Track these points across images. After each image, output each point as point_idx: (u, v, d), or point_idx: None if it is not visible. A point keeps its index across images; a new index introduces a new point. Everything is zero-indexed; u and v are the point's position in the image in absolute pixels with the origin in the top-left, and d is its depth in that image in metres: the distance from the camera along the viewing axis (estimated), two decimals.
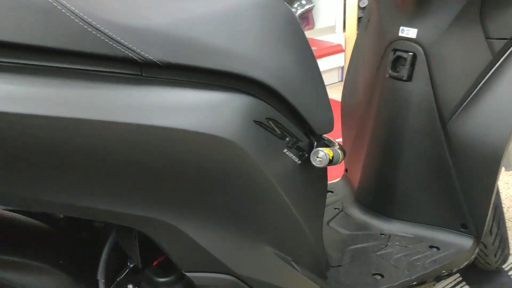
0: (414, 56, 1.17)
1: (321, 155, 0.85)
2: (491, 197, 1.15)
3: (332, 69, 3.43)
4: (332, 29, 3.47)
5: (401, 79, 1.20)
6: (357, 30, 3.50)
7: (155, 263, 0.82)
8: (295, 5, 3.41)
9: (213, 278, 0.73)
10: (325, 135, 1.00)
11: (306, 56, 0.87)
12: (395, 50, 1.21)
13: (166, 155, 0.65)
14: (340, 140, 1.48)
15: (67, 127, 0.57)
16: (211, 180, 0.69)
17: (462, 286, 1.53)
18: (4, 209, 0.83)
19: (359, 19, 3.29)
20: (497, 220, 1.36)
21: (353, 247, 1.18)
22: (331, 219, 1.30)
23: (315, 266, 0.93)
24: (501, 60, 1.10)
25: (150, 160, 0.64)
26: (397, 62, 1.21)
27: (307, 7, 3.38)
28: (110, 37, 0.61)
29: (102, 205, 0.62)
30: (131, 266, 0.84)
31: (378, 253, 1.16)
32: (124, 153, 0.62)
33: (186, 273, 0.71)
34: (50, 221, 0.86)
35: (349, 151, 1.46)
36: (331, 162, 0.85)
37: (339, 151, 0.89)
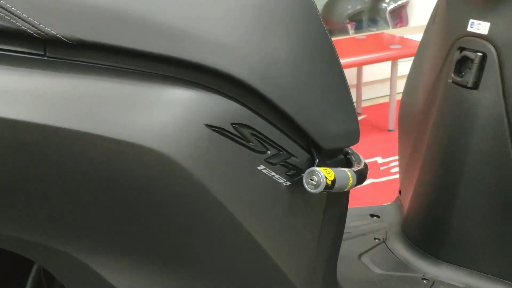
0: (484, 58, 0.91)
1: (317, 178, 0.63)
2: None
3: None
4: None
5: (465, 86, 0.94)
6: None
7: None
8: (387, 0, 3.12)
9: None
10: (351, 149, 0.79)
11: (320, 51, 0.67)
12: (461, 49, 0.96)
13: (66, 166, 0.48)
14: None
15: None
16: (131, 204, 0.51)
17: None
18: None
19: None
20: None
21: None
22: (366, 251, 1.07)
23: None
24: None
25: (51, 171, 0.48)
26: (462, 64, 0.96)
27: (400, 2, 3.09)
28: (10, 12, 0.46)
29: None
30: None
31: None
32: (15, 160, 0.46)
33: None
34: None
35: (404, 170, 1.21)
36: (330, 187, 0.63)
37: (349, 173, 0.67)
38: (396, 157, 1.29)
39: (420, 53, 1.16)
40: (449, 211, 0.99)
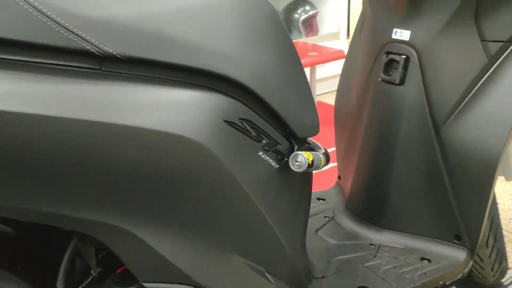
0: (407, 59, 1.13)
1: (300, 159, 0.80)
2: (487, 207, 1.10)
3: (335, 76, 3.39)
4: (336, 35, 3.43)
5: (393, 83, 1.15)
6: None
7: (118, 271, 0.77)
8: (299, 11, 3.38)
9: None
10: (310, 139, 0.96)
11: (289, 57, 0.83)
12: (388, 53, 1.17)
13: (124, 155, 0.60)
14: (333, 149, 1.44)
15: (14, 122, 0.53)
16: (173, 184, 0.65)
17: None
18: None
19: None
20: (494, 232, 1.31)
21: (339, 257, 1.13)
22: (320, 228, 1.25)
23: (293, 278, 0.88)
24: (497, 63, 1.05)
25: (106, 160, 0.60)
26: (389, 65, 1.17)
27: (311, 13, 3.35)
28: (66, 28, 0.57)
29: (46, 207, 0.57)
30: (94, 274, 0.80)
31: (365, 264, 1.11)
32: (76, 152, 0.57)
33: (145, 284, 0.67)
34: (12, 226, 0.82)
35: (342, 158, 1.41)
36: (310, 166, 0.80)
37: (321, 156, 0.84)
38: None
39: (350, 58, 1.37)
40: (386, 186, 1.19)
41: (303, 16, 3.35)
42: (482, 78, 1.06)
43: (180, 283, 0.69)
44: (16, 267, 0.73)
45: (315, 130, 0.89)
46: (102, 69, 0.61)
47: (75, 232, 0.75)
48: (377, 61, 1.20)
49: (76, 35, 0.58)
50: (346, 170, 1.38)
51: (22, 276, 0.73)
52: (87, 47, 0.58)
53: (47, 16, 0.56)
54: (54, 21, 0.57)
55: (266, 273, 0.80)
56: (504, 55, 1.04)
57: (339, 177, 1.45)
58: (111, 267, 0.77)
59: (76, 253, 0.76)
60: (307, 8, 3.37)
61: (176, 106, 0.64)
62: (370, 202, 1.24)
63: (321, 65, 3.00)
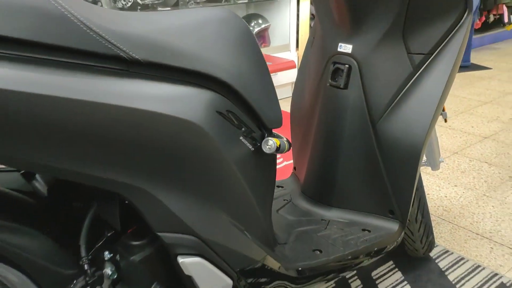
0: (350, 68, 1.39)
1: (270, 143, 1.04)
2: (413, 187, 1.37)
3: (286, 84, 3.67)
4: (286, 47, 3.71)
5: (339, 87, 1.41)
6: None
7: (129, 231, 0.98)
8: (252, 24, 3.64)
9: (180, 238, 0.90)
10: (274, 132, 1.20)
11: (259, 63, 1.07)
12: (334, 63, 1.43)
13: (145, 132, 0.82)
14: None
15: (70, 106, 0.74)
16: (180, 156, 0.87)
17: (395, 272, 1.75)
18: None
19: None
20: (421, 210, 1.59)
21: (297, 229, 1.37)
22: (280, 208, 1.49)
23: (263, 239, 1.11)
24: (420, 71, 1.33)
25: (132, 136, 0.81)
26: (336, 73, 1.43)
27: (263, 26, 3.62)
28: (106, 40, 0.79)
29: (97, 172, 0.78)
30: (108, 235, 1.00)
31: (318, 234, 1.35)
32: (112, 130, 0.79)
33: (158, 233, 0.88)
34: (38, 197, 1.01)
35: (297, 152, 1.66)
36: (278, 149, 1.04)
37: (285, 142, 1.09)
38: None
39: (303, 67, 1.63)
40: (334, 172, 1.45)
41: (257, 29, 3.61)
42: (408, 83, 1.34)
43: (183, 233, 0.90)
44: (45, 228, 0.92)
45: (279, 123, 1.13)
46: (130, 70, 0.82)
47: (95, 198, 0.95)
48: (326, 70, 1.46)
49: (113, 45, 0.79)
50: (301, 161, 1.63)
51: (49, 235, 0.92)
52: (120, 53, 0.80)
53: (94, 31, 0.77)
54: (99, 34, 0.78)
55: (244, 231, 1.03)
56: (425, 65, 1.32)
57: (294, 168, 1.70)
58: (122, 230, 0.97)
59: (94, 217, 0.96)
60: (260, 21, 3.64)
61: (183, 98, 0.86)
62: (321, 186, 1.49)
63: (273, 74, 3.25)
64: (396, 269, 1.76)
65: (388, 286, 1.67)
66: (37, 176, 1.07)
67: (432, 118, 1.31)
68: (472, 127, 3.15)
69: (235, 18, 1.02)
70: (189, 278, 0.93)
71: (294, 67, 3.43)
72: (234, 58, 0.97)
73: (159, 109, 0.83)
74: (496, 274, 1.72)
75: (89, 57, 0.78)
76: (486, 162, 2.63)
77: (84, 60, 0.77)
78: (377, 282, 1.69)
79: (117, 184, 0.82)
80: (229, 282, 0.99)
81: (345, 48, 1.40)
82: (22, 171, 1.06)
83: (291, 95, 3.80)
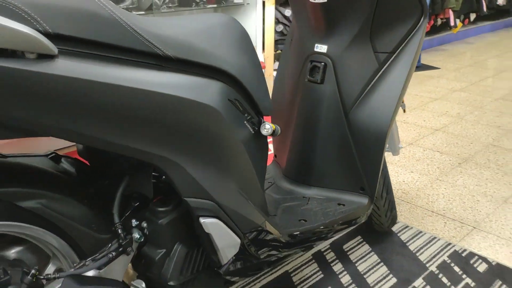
0: (325, 65, 1.62)
1: (268, 127, 1.25)
2: (380, 167, 1.61)
3: None
4: None
5: (316, 82, 1.64)
6: (274, 51, 3.99)
7: (154, 200, 1.17)
8: None
9: (201, 202, 1.10)
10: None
11: (254, 60, 1.28)
12: (311, 61, 1.65)
13: (176, 114, 1.01)
14: None
15: (120, 91, 0.93)
16: (201, 134, 1.07)
17: (363, 245, 1.99)
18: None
19: (276, 41, 3.79)
20: (386, 188, 1.84)
21: (283, 205, 1.59)
22: (266, 188, 1.71)
23: (261, 207, 1.32)
24: (384, 68, 1.57)
25: (166, 117, 1.00)
26: (313, 70, 1.66)
27: None
28: (147, 40, 0.98)
29: (141, 147, 0.97)
30: (135, 205, 1.19)
31: (302, 208, 1.58)
32: (151, 111, 0.98)
33: (185, 198, 1.08)
34: (68, 175, 1.18)
35: (278, 141, 1.88)
36: (273, 132, 1.26)
37: (278, 126, 1.30)
38: None
39: (282, 65, 1.85)
40: (312, 155, 1.68)
41: None
42: (375, 78, 1.58)
43: (203, 199, 1.10)
44: (84, 199, 1.10)
45: (271, 110, 1.34)
46: (163, 65, 1.02)
47: (127, 171, 1.14)
48: (304, 67, 1.68)
49: (152, 44, 0.98)
50: (282, 149, 1.85)
51: (87, 205, 1.10)
52: (157, 51, 0.99)
53: (138, 33, 0.96)
54: (142, 36, 0.97)
55: (248, 199, 1.23)
56: (389, 62, 1.56)
57: (275, 156, 1.92)
58: (147, 201, 1.16)
59: (126, 188, 1.15)
60: None
61: (203, 88, 1.06)
62: (301, 168, 1.72)
63: None
64: (364, 243, 2.01)
65: (358, 256, 1.91)
66: (63, 159, 1.24)
67: (395, 107, 1.56)
68: (424, 121, 3.46)
69: (235, 23, 1.23)
70: (208, 236, 1.13)
71: (263, 67, 3.65)
72: (237, 55, 1.18)
73: (186, 95, 1.02)
74: (449, 244, 1.99)
75: (134, 53, 0.97)
76: (438, 151, 2.93)
77: (130, 56, 0.96)
78: (348, 253, 1.93)
79: (155, 156, 1.01)
80: (238, 241, 1.20)
81: (321, 48, 1.63)
82: (50, 156, 1.23)
83: None
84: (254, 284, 1.75)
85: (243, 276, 1.29)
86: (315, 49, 1.64)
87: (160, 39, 1.00)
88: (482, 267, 1.84)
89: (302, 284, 1.75)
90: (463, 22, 5.79)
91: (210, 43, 1.11)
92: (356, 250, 1.95)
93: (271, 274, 1.80)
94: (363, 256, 1.92)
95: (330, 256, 1.92)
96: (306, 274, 1.81)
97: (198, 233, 1.15)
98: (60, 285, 1.03)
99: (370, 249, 1.96)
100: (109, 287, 1.01)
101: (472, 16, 6.49)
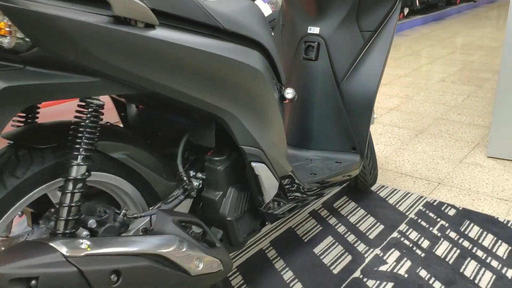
0: (318, 45, 1.90)
1: (290, 91, 1.52)
2: (368, 129, 1.91)
3: None
4: None
5: (311, 59, 1.92)
6: None
7: (209, 153, 1.39)
8: None
9: (252, 149, 1.33)
10: None
11: (272, 37, 1.53)
12: (305, 42, 1.93)
13: (232, 73, 1.25)
14: None
15: (197, 54, 1.15)
16: (249, 92, 1.31)
17: (350, 202, 2.29)
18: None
19: None
20: (370, 149, 2.15)
21: (292, 164, 1.86)
22: None
23: (287, 159, 1.57)
24: (368, 44, 1.87)
25: (227, 76, 1.23)
26: (307, 49, 1.93)
27: None
28: (213, 17, 1.21)
29: (209, 100, 1.19)
30: (192, 158, 1.41)
31: (307, 166, 1.85)
32: (216, 71, 1.20)
33: (241, 146, 1.31)
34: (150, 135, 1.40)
35: None
36: (293, 98, 1.52)
37: (295, 93, 1.56)
38: None
39: (276, 45, 2.11)
40: (310, 123, 1.95)
41: None
42: (361, 53, 1.88)
43: (253, 147, 1.34)
44: (155, 155, 1.31)
45: (284, 80, 1.60)
46: (221, 36, 1.25)
47: (187, 129, 1.36)
48: (299, 47, 1.96)
49: (215, 19, 1.22)
50: None
51: (155, 155, 1.31)
52: (218, 25, 1.23)
53: (206, 10, 1.19)
54: (209, 13, 1.20)
55: (278, 149, 1.49)
56: (372, 39, 1.87)
57: None
58: (203, 152, 1.39)
59: (186, 144, 1.37)
60: None
61: (251, 55, 1.30)
62: (301, 135, 1.99)
63: None
64: (350, 201, 2.31)
65: (347, 211, 2.21)
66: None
67: (379, 77, 1.87)
68: (379, 102, 3.84)
69: (256, 5, 1.49)
70: (257, 177, 1.37)
71: None
72: (263, 31, 1.43)
73: (240, 59, 1.26)
74: (421, 197, 2.33)
75: (203, 26, 1.20)
76: (396, 126, 3.29)
77: (201, 28, 1.19)
78: (339, 210, 2.23)
79: (220, 109, 1.24)
80: (277, 183, 1.45)
81: (314, 30, 1.91)
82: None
83: None
84: (265, 239, 2.00)
85: (275, 215, 1.54)
86: (309, 31, 1.92)
87: (220, 15, 1.24)
88: (452, 212, 2.19)
89: (306, 236, 2.02)
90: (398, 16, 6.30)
91: (248, 20, 1.35)
92: (345, 207, 2.25)
93: (278, 230, 2.06)
94: (352, 211, 2.21)
95: (324, 213, 2.20)
96: (307, 228, 2.08)
97: (248, 176, 1.39)
98: (143, 223, 1.24)
99: (357, 205, 2.26)
100: (189, 218, 1.23)
101: (406, 10, 7.03)
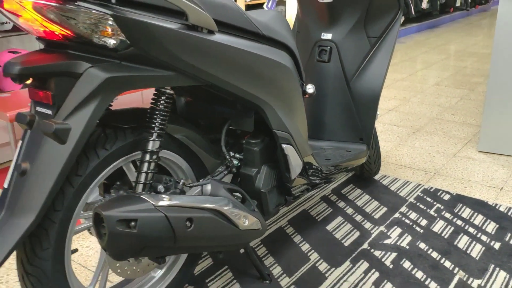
0: (331, 49, 2.19)
1: (310, 87, 1.80)
2: (374, 121, 2.20)
3: None
4: None
5: (324, 61, 2.21)
6: None
7: (246, 137, 1.67)
8: None
9: (282, 133, 1.61)
10: None
11: (294, 40, 1.82)
12: (319, 46, 2.22)
13: (270, 70, 1.53)
14: None
15: (244, 54, 1.43)
16: (281, 85, 1.59)
17: (357, 189, 2.57)
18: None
19: None
20: (375, 141, 2.44)
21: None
22: None
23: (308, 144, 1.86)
24: (374, 48, 2.17)
25: (265, 71, 1.51)
26: (321, 52, 2.22)
27: None
28: (254, 24, 1.49)
29: (252, 91, 1.47)
30: (231, 142, 1.69)
31: (322, 153, 2.13)
32: (258, 67, 1.48)
33: (274, 130, 1.59)
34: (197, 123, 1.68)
35: None
36: (313, 93, 1.81)
37: (315, 89, 1.85)
38: None
39: None
40: (323, 117, 2.24)
41: None
42: (368, 56, 2.17)
43: (283, 131, 1.62)
44: (206, 139, 1.59)
45: (304, 78, 1.89)
46: (260, 40, 1.54)
47: (229, 116, 1.64)
48: (313, 50, 2.25)
49: (257, 27, 1.50)
50: None
51: (205, 137, 1.59)
52: (258, 31, 1.51)
53: (250, 20, 1.48)
54: (252, 22, 1.48)
55: (303, 135, 1.77)
56: (378, 44, 2.16)
57: None
58: (240, 138, 1.68)
59: (228, 129, 1.65)
60: None
61: (282, 55, 1.59)
62: (315, 127, 2.27)
63: None
64: (356, 188, 2.59)
65: (354, 197, 2.49)
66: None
67: (383, 77, 2.16)
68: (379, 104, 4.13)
69: (282, 14, 1.78)
70: (286, 157, 1.65)
71: None
72: (289, 36, 1.72)
73: (275, 58, 1.55)
74: (419, 185, 2.62)
75: (247, 32, 1.48)
76: (395, 125, 3.59)
77: (246, 34, 1.47)
78: (346, 195, 2.51)
79: (259, 99, 1.52)
80: (301, 163, 1.74)
81: (327, 36, 2.20)
82: None
83: None
84: (283, 218, 2.28)
85: (297, 190, 1.82)
86: (322, 37, 2.21)
87: (259, 23, 1.53)
88: (446, 197, 2.48)
89: (318, 216, 2.30)
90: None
91: (277, 27, 1.64)
92: (351, 193, 2.53)
93: (294, 211, 2.35)
94: (358, 196, 2.50)
95: (334, 198, 2.49)
96: (319, 210, 2.36)
97: (278, 156, 1.67)
98: (196, 191, 1.52)
99: (362, 191, 2.55)
100: (234, 187, 1.51)
101: (402, 18, 7.35)
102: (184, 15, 1.25)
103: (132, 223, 1.16)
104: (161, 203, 1.22)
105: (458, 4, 9.09)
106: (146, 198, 1.21)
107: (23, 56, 1.17)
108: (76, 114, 1.15)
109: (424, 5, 7.61)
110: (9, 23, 3.09)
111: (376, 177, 2.71)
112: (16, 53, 3.21)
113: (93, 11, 1.10)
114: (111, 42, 1.16)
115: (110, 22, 1.13)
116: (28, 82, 1.17)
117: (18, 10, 1.16)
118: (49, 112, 1.18)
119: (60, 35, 1.17)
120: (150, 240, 1.19)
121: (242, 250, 2.02)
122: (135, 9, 1.17)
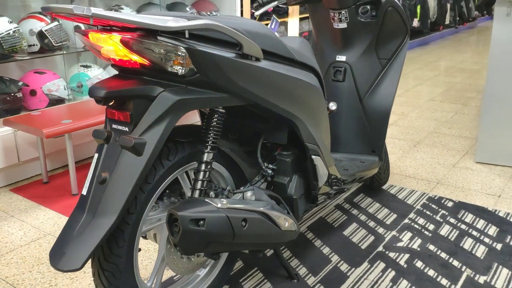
0: (345, 69, 2.42)
1: (333, 104, 2.02)
2: (385, 135, 2.42)
3: None
4: None
5: (339, 81, 2.43)
6: None
7: (278, 149, 1.88)
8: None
9: (312, 146, 1.80)
10: None
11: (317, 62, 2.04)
12: (334, 67, 2.45)
13: (302, 90, 1.74)
14: None
15: (283, 77, 1.64)
16: (312, 103, 1.80)
17: (367, 198, 2.79)
18: None
19: None
20: (385, 152, 2.66)
21: None
22: None
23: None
24: (385, 69, 2.39)
25: (298, 91, 1.72)
26: (336, 73, 2.45)
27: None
28: (289, 51, 1.71)
29: (288, 108, 1.68)
30: (265, 154, 1.90)
31: (339, 165, 2.35)
32: (293, 87, 1.69)
33: (305, 143, 1.79)
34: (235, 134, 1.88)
35: None
36: (335, 110, 2.03)
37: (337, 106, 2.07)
38: None
39: None
40: (339, 131, 2.45)
41: None
42: (379, 76, 2.40)
43: (312, 144, 1.83)
44: (242, 151, 1.79)
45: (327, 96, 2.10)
46: (293, 65, 1.75)
47: (264, 130, 1.84)
48: (328, 71, 2.47)
49: (290, 53, 1.72)
50: None
51: (243, 150, 1.79)
52: (292, 57, 1.73)
53: (286, 47, 1.69)
54: (287, 49, 1.70)
55: (328, 147, 1.98)
56: (388, 65, 2.39)
57: None
58: (272, 149, 1.88)
59: (263, 143, 1.85)
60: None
61: (310, 76, 1.80)
62: (332, 141, 2.49)
63: None
64: (367, 197, 2.81)
65: (365, 205, 2.71)
66: None
67: (393, 95, 2.39)
68: None
69: (306, 41, 2.00)
70: (315, 167, 1.86)
71: None
72: (314, 59, 1.94)
73: (307, 80, 1.76)
74: (424, 193, 2.84)
75: (284, 58, 1.70)
76: (396, 138, 3.82)
77: (283, 60, 1.69)
78: (358, 204, 2.72)
79: (294, 115, 1.73)
80: (327, 172, 1.95)
81: (341, 58, 2.43)
82: None
83: None
84: (303, 225, 2.48)
85: (322, 198, 2.03)
86: (337, 59, 2.44)
87: (292, 50, 1.74)
88: (450, 204, 2.70)
89: (335, 223, 2.51)
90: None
91: (305, 52, 1.86)
92: (363, 202, 2.75)
93: (312, 219, 2.55)
94: (369, 204, 2.71)
95: (347, 206, 2.70)
96: (335, 217, 2.57)
97: (308, 166, 1.87)
98: (238, 197, 1.72)
99: (372, 200, 2.76)
100: (273, 193, 1.72)
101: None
102: (238, 46, 1.46)
103: (201, 222, 1.36)
104: (221, 205, 1.42)
105: (447, 22, 9.44)
106: (210, 201, 1.41)
107: (104, 81, 1.38)
108: (151, 130, 1.35)
109: (415, 23, 7.93)
110: (36, 45, 3.28)
111: (384, 187, 2.93)
112: (41, 73, 3.41)
113: (170, 45, 1.31)
114: (181, 69, 1.37)
115: (182, 54, 1.34)
116: (111, 103, 1.38)
117: (101, 41, 1.37)
118: (126, 129, 1.38)
119: (137, 63, 1.38)
120: (214, 236, 1.39)
121: (269, 253, 2.22)
122: (202, 42, 1.38)
